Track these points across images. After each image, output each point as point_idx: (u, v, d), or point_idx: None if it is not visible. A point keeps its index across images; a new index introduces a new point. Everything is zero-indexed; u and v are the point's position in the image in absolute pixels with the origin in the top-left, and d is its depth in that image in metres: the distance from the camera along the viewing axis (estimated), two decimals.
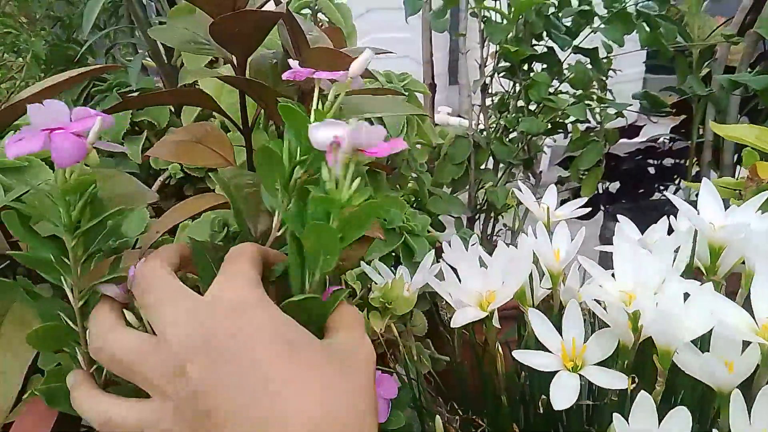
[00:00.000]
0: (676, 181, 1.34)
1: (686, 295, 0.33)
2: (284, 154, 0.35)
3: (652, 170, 1.35)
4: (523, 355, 0.35)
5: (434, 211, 0.98)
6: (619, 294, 0.34)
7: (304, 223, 0.32)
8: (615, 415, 0.30)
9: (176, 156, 0.46)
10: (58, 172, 0.31)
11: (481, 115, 1.14)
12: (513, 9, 0.92)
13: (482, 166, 1.12)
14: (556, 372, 0.35)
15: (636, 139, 1.33)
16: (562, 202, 1.27)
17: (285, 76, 0.38)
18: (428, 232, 0.79)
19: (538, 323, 0.36)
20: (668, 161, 1.36)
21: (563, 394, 0.33)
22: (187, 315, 0.28)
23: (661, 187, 1.37)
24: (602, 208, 1.34)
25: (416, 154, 0.91)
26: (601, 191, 1.35)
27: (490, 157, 1.11)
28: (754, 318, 0.32)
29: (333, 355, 0.28)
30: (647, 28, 0.99)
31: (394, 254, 0.69)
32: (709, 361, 0.31)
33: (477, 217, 1.13)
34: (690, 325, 0.31)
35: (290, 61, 0.39)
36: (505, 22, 0.99)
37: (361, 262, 0.51)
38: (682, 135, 1.28)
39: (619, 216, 0.46)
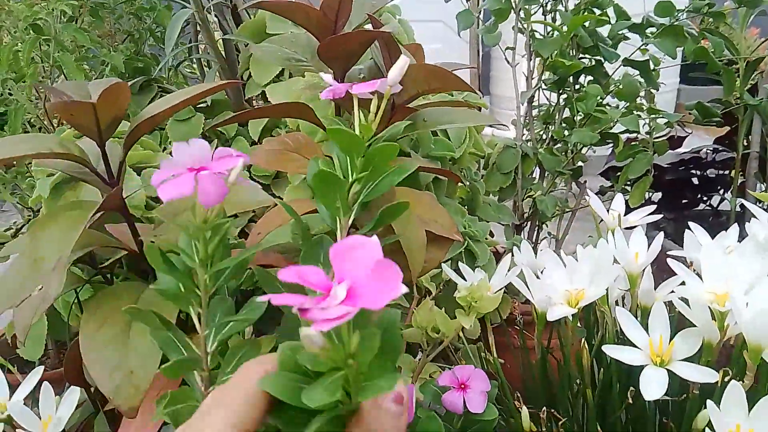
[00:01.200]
0: (720, 192, 1.35)
1: None
2: (338, 172, 0.37)
3: (695, 181, 1.36)
4: (612, 350, 0.38)
5: (484, 218, 1.01)
6: (709, 295, 0.37)
7: None
8: (709, 403, 0.32)
9: (271, 163, 0.50)
10: (198, 211, 0.33)
11: (527, 127, 1.16)
12: (566, 25, 0.95)
13: (527, 175, 1.15)
14: (642, 367, 0.37)
15: (677, 150, 1.34)
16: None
17: (323, 95, 0.38)
18: (486, 239, 0.81)
19: (626, 321, 0.39)
20: (712, 172, 1.37)
21: (653, 387, 0.35)
22: None
23: (705, 198, 1.38)
24: None
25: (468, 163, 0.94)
26: (643, 201, 1.36)
27: (537, 167, 1.14)
28: None
29: None
30: (694, 42, 1.01)
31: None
32: None
33: (524, 225, 1.16)
34: None
35: (323, 74, 0.40)
36: (555, 34, 1.02)
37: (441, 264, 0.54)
38: (726, 146, 1.29)
39: (690, 224, 0.49)
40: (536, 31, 1.09)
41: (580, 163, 1.21)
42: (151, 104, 0.41)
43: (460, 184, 0.97)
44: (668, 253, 0.51)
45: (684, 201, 1.38)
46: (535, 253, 0.55)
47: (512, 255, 0.54)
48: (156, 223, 0.43)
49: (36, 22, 0.75)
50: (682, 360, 0.37)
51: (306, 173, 0.50)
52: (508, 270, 0.51)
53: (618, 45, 1.08)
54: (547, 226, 1.23)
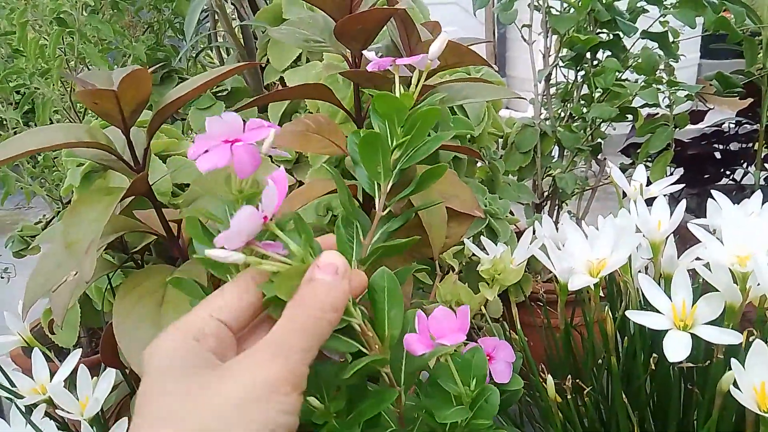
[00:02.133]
0: (744, 166, 1.33)
1: None
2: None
3: (718, 155, 1.34)
4: (636, 315, 0.38)
5: (504, 197, 1.01)
6: (730, 257, 0.37)
7: None
8: (733, 361, 0.32)
9: (294, 144, 0.50)
10: (234, 180, 0.34)
11: (546, 105, 1.15)
12: (582, 0, 0.94)
13: (546, 154, 1.14)
14: (666, 332, 0.38)
15: (698, 125, 1.32)
16: None
17: (369, 67, 0.40)
18: (505, 216, 0.82)
19: (648, 286, 0.39)
20: (734, 146, 1.34)
21: (677, 349, 0.35)
22: None
23: (728, 172, 1.36)
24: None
25: (487, 142, 0.94)
26: (664, 177, 1.35)
27: (555, 145, 1.13)
28: None
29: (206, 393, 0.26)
30: (714, 12, 0.99)
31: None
32: None
33: (544, 204, 1.16)
34: None
35: (367, 54, 0.41)
36: (571, 11, 1.01)
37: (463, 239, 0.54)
38: (749, 118, 1.27)
39: (713, 192, 0.48)
40: (552, 8, 1.08)
41: (599, 140, 1.20)
42: (172, 90, 0.42)
43: (479, 164, 0.97)
44: (690, 222, 0.51)
45: (706, 176, 1.36)
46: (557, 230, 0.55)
47: (533, 230, 0.54)
48: (182, 205, 0.44)
49: (60, 16, 0.77)
50: (706, 324, 0.38)
51: (328, 153, 0.51)
52: (530, 244, 0.51)
53: (637, 18, 1.06)
54: (567, 205, 1.22)
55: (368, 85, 0.47)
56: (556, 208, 1.20)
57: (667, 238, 0.45)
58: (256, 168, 0.33)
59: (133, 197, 0.47)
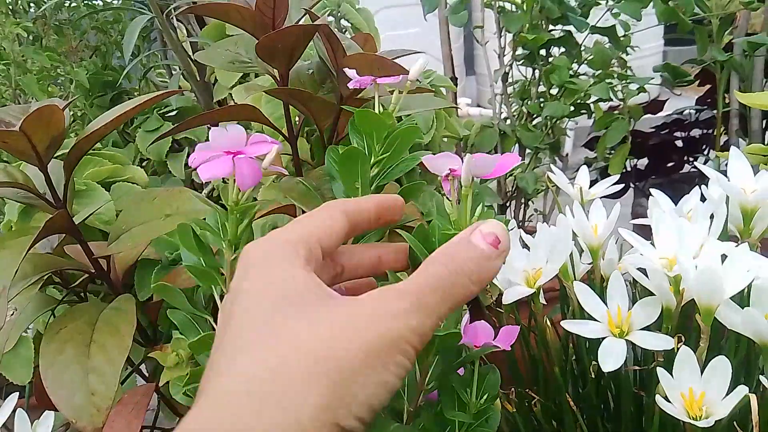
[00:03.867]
0: (705, 152, 1.34)
1: (724, 257, 0.35)
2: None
3: (680, 143, 1.35)
4: (571, 325, 0.38)
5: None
6: (661, 261, 0.37)
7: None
8: (659, 370, 0.32)
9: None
10: (232, 191, 0.34)
11: (504, 104, 1.15)
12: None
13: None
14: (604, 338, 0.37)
15: (661, 114, 1.33)
16: (592, 183, 1.28)
17: (351, 85, 0.41)
18: None
19: (584, 294, 0.39)
20: (696, 132, 1.36)
21: (611, 358, 0.35)
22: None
23: (691, 159, 1.37)
24: (632, 185, 1.35)
25: (444, 147, 0.93)
26: (629, 168, 1.35)
27: (516, 145, 1.13)
28: None
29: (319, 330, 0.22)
30: (663, 2, 1.00)
31: None
32: (751, 314, 0.33)
33: (508, 204, 1.15)
34: (728, 283, 0.33)
35: (346, 70, 0.42)
36: (520, 11, 1.01)
37: None
38: (707, 105, 1.28)
39: (652, 190, 0.48)
40: (503, 8, 1.08)
41: (561, 137, 1.21)
42: (91, 123, 0.41)
43: None
44: (631, 222, 0.51)
45: (670, 164, 1.37)
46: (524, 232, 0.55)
47: None
48: (109, 240, 0.43)
49: None
50: (642, 329, 0.37)
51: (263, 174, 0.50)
52: None
53: (588, 13, 1.07)
54: (533, 203, 1.23)
55: (294, 103, 0.46)
56: (522, 206, 1.20)
57: (606, 241, 0.45)
58: (257, 182, 0.34)
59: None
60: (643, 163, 1.38)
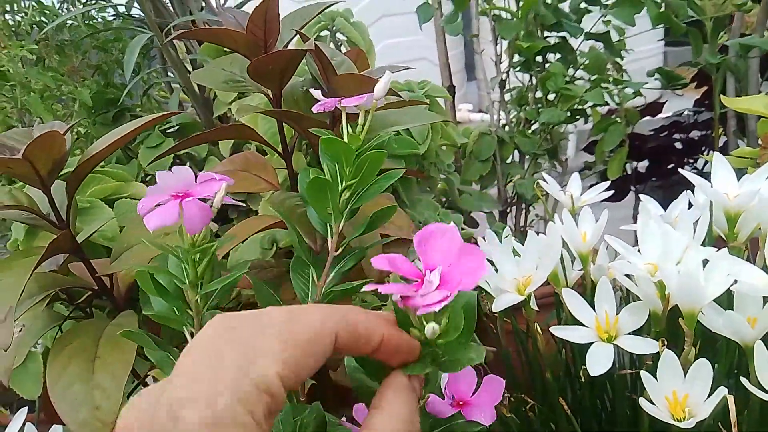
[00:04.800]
0: (705, 153, 1.34)
1: (707, 262, 0.36)
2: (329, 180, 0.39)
3: (679, 145, 1.35)
4: (560, 331, 0.39)
5: (466, 208, 1.02)
6: (646, 267, 0.38)
7: None
8: (643, 373, 0.33)
9: None
10: (185, 235, 0.34)
11: (502, 111, 1.17)
12: (521, 6, 0.95)
13: (508, 160, 1.15)
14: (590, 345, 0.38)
15: (661, 116, 1.34)
16: (591, 186, 1.29)
17: (315, 109, 0.41)
18: (462, 229, 0.82)
19: (572, 300, 0.40)
20: (695, 134, 1.36)
21: (598, 362, 0.36)
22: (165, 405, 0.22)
23: (690, 161, 1.37)
24: (633, 188, 1.35)
25: (442, 156, 0.95)
26: (630, 172, 1.36)
27: (515, 151, 1.14)
28: None
29: None
30: (656, 6, 1.01)
31: None
32: (733, 317, 0.34)
33: (508, 210, 1.16)
34: (710, 288, 0.34)
35: (312, 91, 0.43)
36: (515, 19, 1.02)
37: None
38: (705, 107, 1.28)
39: (641, 195, 0.49)
40: (498, 16, 1.09)
41: (561, 141, 1.22)
42: (92, 145, 0.42)
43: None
44: (621, 228, 0.52)
45: (670, 166, 1.37)
46: (524, 237, 0.55)
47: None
48: (111, 258, 0.44)
49: (0, 70, 0.77)
50: (630, 333, 0.38)
51: (257, 190, 0.52)
52: None
53: (582, 19, 1.08)
54: (534, 208, 1.23)
55: (288, 122, 0.48)
56: (524, 212, 1.21)
57: (596, 248, 0.46)
58: (207, 222, 0.34)
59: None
60: (643, 165, 1.39)
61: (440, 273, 0.26)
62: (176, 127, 0.89)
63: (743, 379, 0.32)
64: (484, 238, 0.56)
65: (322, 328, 0.24)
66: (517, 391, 0.49)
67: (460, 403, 0.37)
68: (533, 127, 1.15)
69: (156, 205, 0.33)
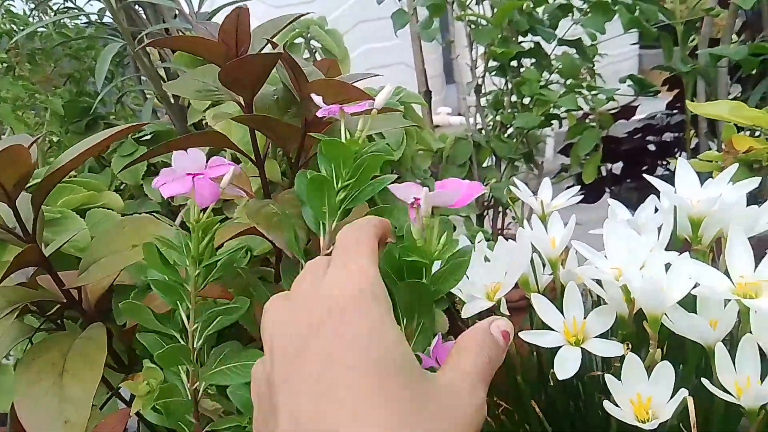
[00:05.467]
0: (678, 155, 1.37)
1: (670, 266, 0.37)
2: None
3: (652, 147, 1.37)
4: (529, 336, 0.39)
5: (441, 212, 1.02)
6: (611, 271, 0.38)
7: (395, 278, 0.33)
8: (607, 376, 0.33)
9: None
10: (192, 210, 0.37)
11: (479, 115, 1.18)
12: (496, 12, 0.96)
13: (485, 164, 1.16)
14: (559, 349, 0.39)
15: (635, 118, 1.36)
16: (568, 188, 1.30)
17: (320, 113, 0.42)
18: None
19: (541, 305, 0.40)
20: (668, 136, 1.39)
21: (565, 366, 0.36)
22: (300, 295, 0.27)
23: (664, 162, 1.40)
24: (608, 189, 1.37)
25: (419, 161, 0.95)
26: (605, 174, 1.38)
27: (492, 155, 1.15)
28: (730, 278, 0.35)
29: (428, 402, 0.24)
30: (628, 12, 1.03)
31: None
32: (694, 320, 0.35)
33: (485, 213, 1.17)
34: (672, 291, 0.35)
35: (313, 96, 0.43)
36: (489, 25, 1.04)
37: None
38: (677, 109, 1.31)
39: (609, 200, 0.50)
40: (474, 22, 1.10)
41: (538, 144, 1.23)
42: (59, 156, 0.42)
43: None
44: (590, 232, 0.53)
45: (644, 168, 1.40)
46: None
47: None
48: (79, 270, 0.44)
49: None
50: (598, 337, 0.39)
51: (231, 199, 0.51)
52: None
53: (557, 25, 1.09)
54: (511, 211, 1.24)
55: (263, 130, 0.48)
56: (501, 215, 1.22)
57: (566, 253, 0.46)
58: (215, 200, 0.37)
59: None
60: (618, 167, 1.41)
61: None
62: (150, 135, 0.88)
63: (705, 380, 0.32)
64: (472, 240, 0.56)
65: (373, 225, 0.31)
66: (491, 395, 0.49)
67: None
68: (509, 131, 1.16)
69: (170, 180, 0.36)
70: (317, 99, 0.43)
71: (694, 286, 0.34)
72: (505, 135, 1.14)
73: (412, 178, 0.91)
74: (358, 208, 0.44)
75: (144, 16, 0.95)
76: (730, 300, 0.35)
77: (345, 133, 0.40)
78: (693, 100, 1.19)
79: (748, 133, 0.73)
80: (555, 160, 1.68)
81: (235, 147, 0.49)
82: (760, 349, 0.34)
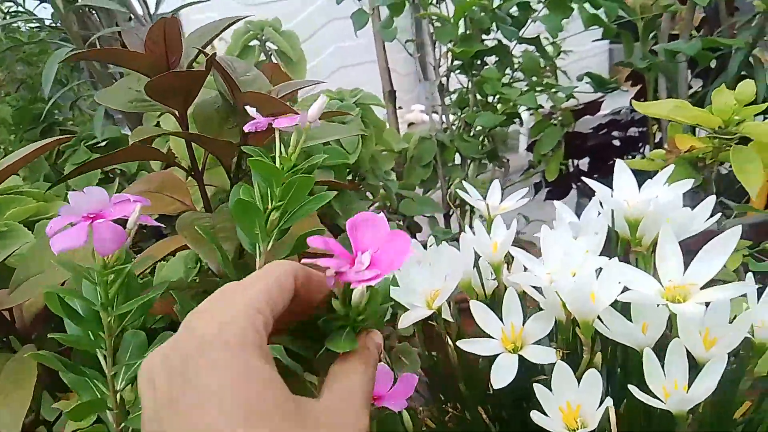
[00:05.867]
0: (642, 150, 1.38)
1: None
2: (257, 200, 0.39)
3: (617, 142, 1.39)
4: (467, 344, 0.39)
5: (407, 213, 1.02)
6: (547, 277, 0.38)
7: None
8: (536, 386, 0.33)
9: None
10: (98, 257, 0.33)
11: (443, 114, 1.17)
12: (454, 11, 0.96)
13: (452, 163, 1.16)
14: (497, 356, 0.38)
15: (600, 113, 1.37)
16: (536, 185, 1.30)
17: (247, 128, 0.40)
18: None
19: (479, 312, 0.40)
20: (633, 131, 1.40)
21: (501, 374, 0.36)
22: (186, 324, 0.26)
23: (629, 157, 1.41)
24: (574, 185, 1.38)
25: (381, 162, 0.95)
26: (572, 169, 1.39)
27: (457, 154, 1.15)
28: (660, 282, 0.35)
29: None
30: (589, 9, 1.03)
31: None
32: (625, 324, 0.35)
33: (452, 212, 1.17)
34: (602, 296, 0.34)
35: (248, 108, 0.42)
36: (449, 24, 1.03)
37: None
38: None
39: (555, 202, 0.50)
40: (437, 20, 1.10)
41: (503, 142, 1.23)
42: None
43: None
44: (536, 235, 0.53)
45: (610, 163, 1.40)
46: None
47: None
48: (10, 287, 0.43)
49: None
50: (535, 343, 0.39)
51: (171, 211, 0.51)
52: None
53: (522, 23, 1.09)
54: (478, 210, 1.24)
55: (198, 143, 0.47)
56: (467, 214, 1.22)
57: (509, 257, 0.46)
58: (120, 244, 0.33)
59: None
60: (585, 162, 1.42)
61: (370, 255, 0.28)
62: (104, 143, 0.86)
63: (631, 387, 0.32)
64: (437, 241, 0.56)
65: (284, 269, 0.29)
66: (438, 402, 0.49)
67: (375, 397, 0.40)
68: (476, 129, 1.16)
69: (65, 227, 0.32)
70: (251, 111, 0.42)
71: (623, 291, 0.34)
72: (471, 134, 1.14)
73: (373, 179, 0.90)
74: (303, 222, 0.43)
75: (98, 20, 0.93)
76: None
77: (280, 149, 0.39)
78: (656, 95, 1.21)
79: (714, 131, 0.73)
80: (528, 156, 1.69)
81: (168, 159, 0.49)
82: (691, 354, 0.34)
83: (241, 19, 0.50)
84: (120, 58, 0.43)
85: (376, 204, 1.01)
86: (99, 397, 0.36)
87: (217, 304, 0.27)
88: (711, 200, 0.41)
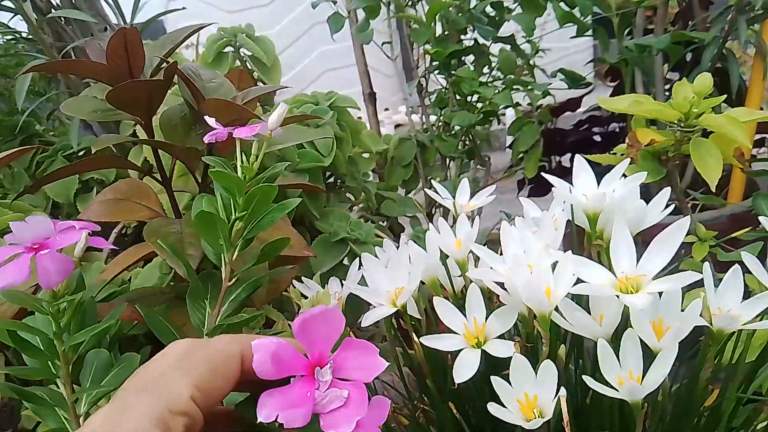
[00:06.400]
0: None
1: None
2: (220, 211, 0.39)
3: (598, 138, 1.39)
4: (430, 340, 0.39)
5: (389, 214, 1.02)
6: (507, 272, 0.39)
7: None
8: (494, 378, 0.34)
9: (107, 215, 0.50)
10: (44, 294, 0.32)
11: (423, 114, 1.18)
12: (426, 12, 0.97)
13: (433, 163, 1.17)
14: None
15: (581, 110, 1.37)
16: (519, 183, 1.30)
17: (206, 139, 0.40)
18: (377, 236, 0.83)
19: (443, 308, 0.41)
20: (613, 126, 1.41)
21: (462, 370, 0.37)
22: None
23: (610, 153, 1.41)
24: None
25: (361, 164, 0.95)
26: (553, 166, 1.40)
27: (438, 154, 1.16)
28: (614, 273, 0.36)
29: None
30: (563, 7, 1.04)
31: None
32: (581, 316, 0.35)
33: (434, 212, 1.18)
34: (557, 290, 0.35)
35: (207, 118, 0.42)
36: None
37: (302, 278, 0.54)
38: None
39: (521, 198, 0.51)
40: (411, 23, 1.11)
41: (484, 141, 1.24)
42: None
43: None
44: (494, 230, 0.53)
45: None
46: None
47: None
48: None
49: None
50: (498, 337, 0.39)
51: (139, 218, 0.51)
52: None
53: (501, 22, 1.10)
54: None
55: (164, 150, 0.47)
56: (450, 213, 1.22)
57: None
58: (67, 276, 0.32)
59: None
60: (566, 159, 1.43)
61: (331, 367, 0.25)
62: (82, 152, 0.86)
63: (586, 378, 0.33)
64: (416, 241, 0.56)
65: (226, 350, 0.25)
66: (411, 399, 0.50)
67: None
68: (456, 129, 1.17)
69: (7, 260, 0.30)
70: (210, 121, 0.42)
71: (576, 283, 0.35)
72: (451, 133, 1.14)
73: (351, 181, 0.91)
74: (273, 228, 0.44)
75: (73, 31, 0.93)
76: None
77: (241, 158, 0.39)
78: (633, 90, 1.22)
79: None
80: (506, 155, 1.70)
81: (136, 167, 0.49)
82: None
83: (205, 26, 0.50)
84: (81, 69, 0.43)
85: (360, 205, 1.02)
86: (63, 425, 0.35)
87: (119, 416, 0.23)
88: (666, 192, 0.42)
